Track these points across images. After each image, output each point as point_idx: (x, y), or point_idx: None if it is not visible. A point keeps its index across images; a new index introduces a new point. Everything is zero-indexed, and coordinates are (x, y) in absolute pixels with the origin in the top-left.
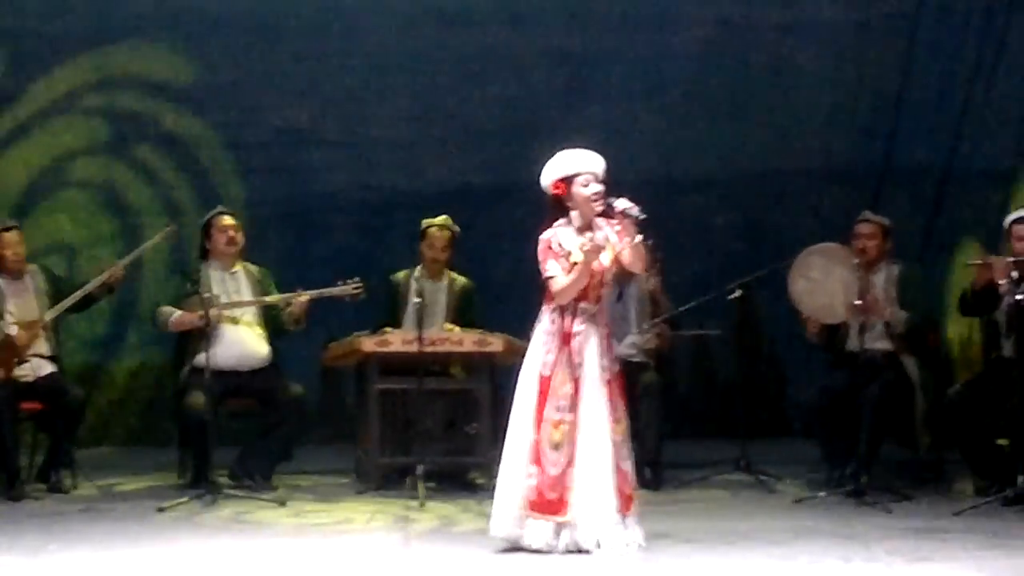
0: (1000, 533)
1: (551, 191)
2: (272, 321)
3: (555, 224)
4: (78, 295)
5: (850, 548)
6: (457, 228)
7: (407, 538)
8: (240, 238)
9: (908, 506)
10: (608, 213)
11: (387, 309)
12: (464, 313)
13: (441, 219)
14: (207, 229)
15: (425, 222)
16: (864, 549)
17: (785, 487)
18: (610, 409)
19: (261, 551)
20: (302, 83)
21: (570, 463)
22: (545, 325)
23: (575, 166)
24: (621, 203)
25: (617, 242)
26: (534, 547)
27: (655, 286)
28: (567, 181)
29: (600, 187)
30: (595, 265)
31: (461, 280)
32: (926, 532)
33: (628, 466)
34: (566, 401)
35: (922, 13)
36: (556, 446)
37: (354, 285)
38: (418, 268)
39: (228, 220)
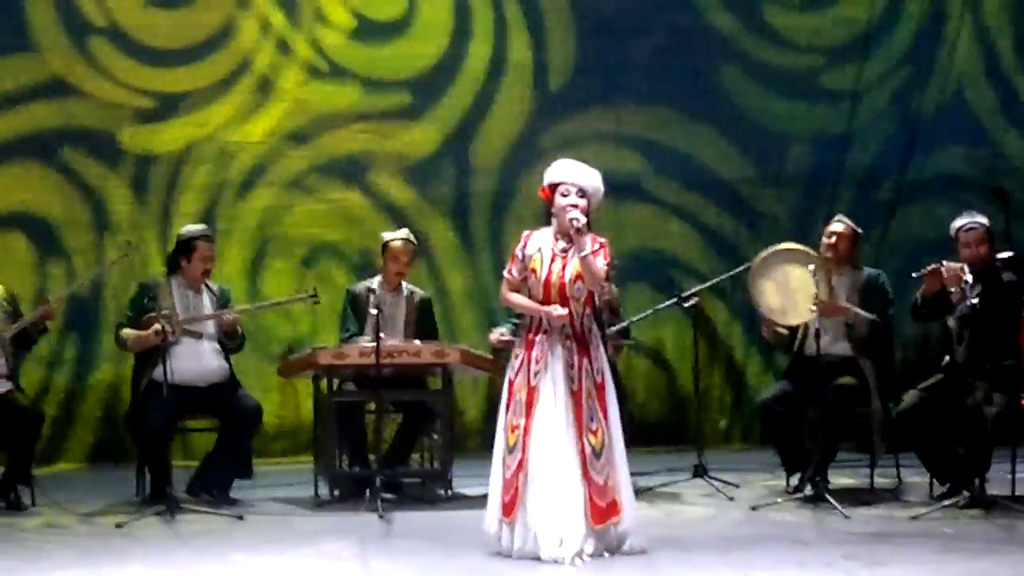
0: (957, 538)
1: (541, 195)
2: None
3: (542, 227)
4: (15, 328)
5: (807, 554)
6: (416, 242)
7: (366, 551)
8: (213, 265)
9: (865, 511)
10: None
11: (348, 322)
12: (423, 326)
13: (403, 232)
14: (186, 248)
15: (387, 235)
16: (821, 555)
17: (742, 494)
18: (577, 419)
19: (220, 566)
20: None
21: (520, 467)
22: (522, 331)
23: (560, 175)
24: (574, 214)
25: (592, 256)
26: (503, 548)
27: (611, 296)
28: (552, 188)
29: (578, 200)
30: (553, 277)
31: (420, 293)
32: (883, 537)
33: (605, 478)
34: (520, 406)
35: (874, 20)
36: (510, 450)
37: (309, 294)
38: (376, 280)
39: (211, 251)
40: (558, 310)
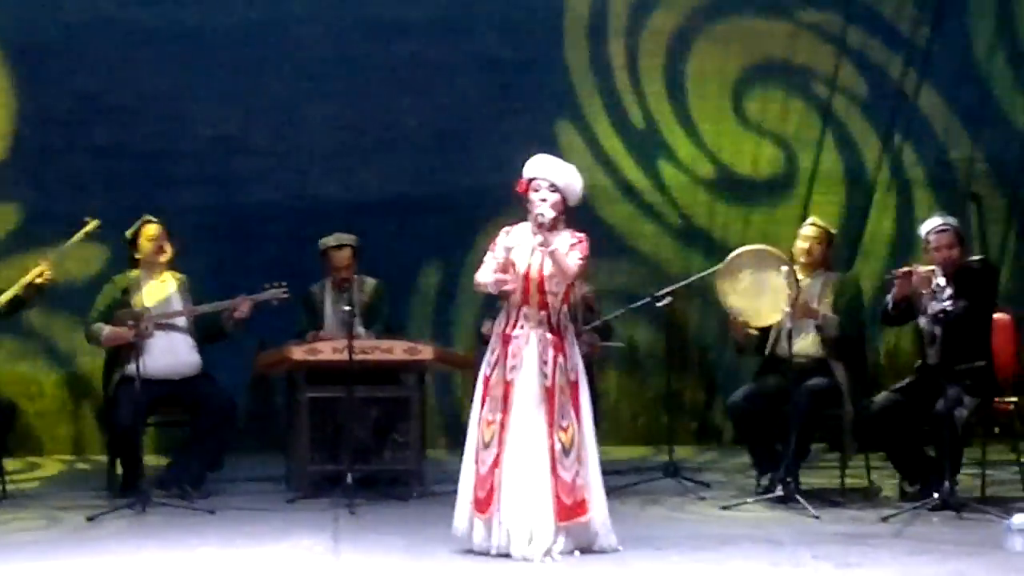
0: (927, 539)
1: (519, 190)
2: (205, 328)
3: (520, 221)
4: (7, 296)
5: (778, 554)
6: (355, 238)
7: (338, 546)
8: (168, 246)
9: (836, 511)
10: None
11: (306, 321)
12: (376, 311)
13: (335, 238)
14: (134, 239)
15: (322, 243)
16: (792, 555)
17: (713, 494)
18: (548, 415)
19: (191, 560)
20: (232, 92)
21: (496, 463)
22: (498, 326)
23: (535, 170)
24: (541, 208)
25: (565, 251)
26: (475, 545)
27: (588, 294)
28: (529, 183)
29: (549, 194)
30: (532, 271)
31: (371, 281)
32: (854, 538)
33: (573, 475)
34: (497, 402)
35: (850, 22)
36: (487, 445)
37: (281, 289)
38: (327, 283)
39: (155, 229)
40: (510, 278)
